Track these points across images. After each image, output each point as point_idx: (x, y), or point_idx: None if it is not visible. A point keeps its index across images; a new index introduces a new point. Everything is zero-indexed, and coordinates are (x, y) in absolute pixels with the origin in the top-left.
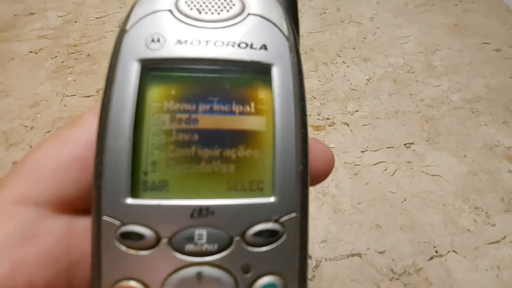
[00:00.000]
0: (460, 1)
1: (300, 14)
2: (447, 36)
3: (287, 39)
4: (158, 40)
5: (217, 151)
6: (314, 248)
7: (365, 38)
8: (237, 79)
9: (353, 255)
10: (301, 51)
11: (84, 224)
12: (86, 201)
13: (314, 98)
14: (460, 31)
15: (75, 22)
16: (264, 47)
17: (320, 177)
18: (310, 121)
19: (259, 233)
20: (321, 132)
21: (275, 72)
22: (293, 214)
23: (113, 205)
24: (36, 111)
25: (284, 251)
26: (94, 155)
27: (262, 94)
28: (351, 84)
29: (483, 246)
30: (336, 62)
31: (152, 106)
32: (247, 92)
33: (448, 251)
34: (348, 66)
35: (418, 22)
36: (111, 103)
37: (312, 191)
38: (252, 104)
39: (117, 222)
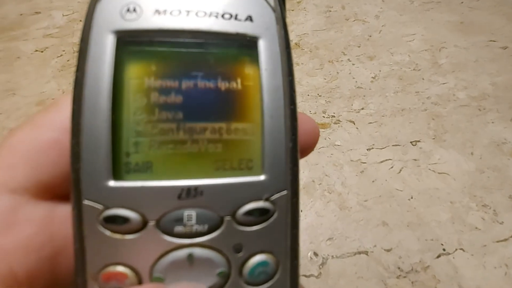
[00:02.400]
0: None
1: (304, 12)
2: (453, 33)
3: (274, 10)
4: (134, 10)
5: (203, 129)
6: (321, 245)
7: (370, 36)
8: (222, 52)
9: (359, 252)
10: (306, 49)
11: (65, 210)
12: (65, 186)
13: (320, 96)
14: (466, 29)
15: (80, 20)
16: (250, 18)
17: (305, 150)
18: (316, 119)
19: (250, 212)
20: (326, 130)
21: (261, 45)
22: (284, 192)
23: (94, 188)
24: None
25: (276, 229)
26: (70, 136)
27: (248, 69)
28: (356, 82)
29: (491, 243)
30: (342, 60)
31: (131, 83)
32: (233, 67)
33: (456, 249)
34: (353, 64)
35: (424, 20)
36: (85, 79)
37: (318, 189)
38: (239, 80)
39: (99, 206)
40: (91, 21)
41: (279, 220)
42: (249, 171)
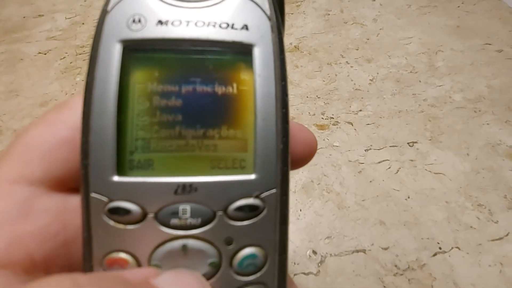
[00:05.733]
0: (463, 2)
1: (304, 16)
2: (449, 37)
3: (269, 18)
4: (139, 21)
5: (200, 131)
6: (319, 243)
7: (368, 39)
8: (219, 59)
9: (357, 251)
10: (305, 51)
11: (77, 201)
12: (77, 180)
13: (318, 97)
14: (463, 32)
15: (83, 23)
16: (246, 27)
17: (303, 160)
18: (314, 120)
19: (240, 208)
20: (325, 131)
21: (256, 52)
22: (273, 191)
23: (101, 182)
24: (45, 110)
25: (265, 225)
26: (80, 135)
27: (243, 74)
28: (354, 84)
29: (486, 242)
30: (340, 63)
31: (135, 87)
32: (229, 72)
33: (452, 247)
34: (351, 67)
35: (421, 24)
36: (95, 83)
37: (317, 188)
38: (234, 85)
39: (104, 199)
40: (101, 31)
41: (268, 216)
42: (242, 170)
